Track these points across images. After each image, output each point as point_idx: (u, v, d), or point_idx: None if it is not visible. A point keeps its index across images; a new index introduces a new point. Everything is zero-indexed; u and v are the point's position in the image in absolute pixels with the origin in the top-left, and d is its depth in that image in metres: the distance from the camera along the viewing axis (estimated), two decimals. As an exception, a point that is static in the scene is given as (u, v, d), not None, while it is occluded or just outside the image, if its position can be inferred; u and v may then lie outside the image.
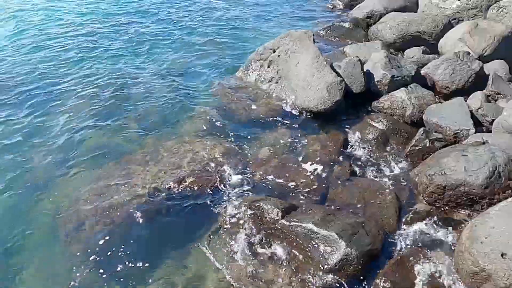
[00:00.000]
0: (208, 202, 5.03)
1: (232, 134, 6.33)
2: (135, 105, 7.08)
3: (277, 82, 7.21)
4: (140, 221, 4.76)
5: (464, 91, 6.77)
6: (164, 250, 4.46)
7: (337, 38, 9.95)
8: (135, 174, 5.41)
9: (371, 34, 9.64)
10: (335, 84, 6.49)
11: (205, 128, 6.41)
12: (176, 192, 5.09)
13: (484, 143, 5.15)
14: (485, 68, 7.09)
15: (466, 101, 6.36)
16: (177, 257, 4.39)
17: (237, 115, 6.86)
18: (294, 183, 5.31)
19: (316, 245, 4.24)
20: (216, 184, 5.25)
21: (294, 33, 7.59)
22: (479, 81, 6.83)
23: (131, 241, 4.56)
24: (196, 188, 5.14)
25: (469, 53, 7.22)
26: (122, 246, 4.47)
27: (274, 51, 7.63)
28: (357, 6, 11.18)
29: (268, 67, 7.56)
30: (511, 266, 3.52)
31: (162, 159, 5.68)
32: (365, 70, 7.05)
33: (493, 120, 5.82)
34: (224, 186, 5.26)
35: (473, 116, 6.04)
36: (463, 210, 4.76)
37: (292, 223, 4.46)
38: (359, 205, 4.94)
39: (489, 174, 4.58)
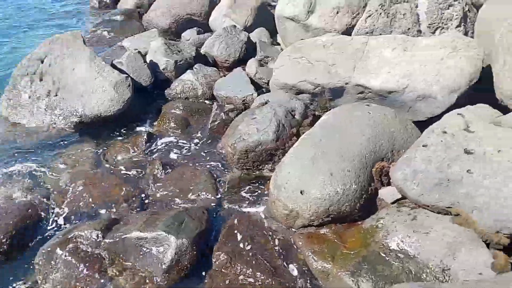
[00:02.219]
0: (14, 253, 4.23)
1: (25, 167, 5.43)
2: None
3: (56, 95, 6.42)
4: None
5: (241, 61, 7.48)
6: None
7: (112, 33, 9.48)
8: None
9: (145, 23, 9.54)
10: (121, 82, 6.21)
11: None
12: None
13: (266, 102, 5.85)
14: (251, 37, 7.97)
15: (244, 70, 7.06)
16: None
17: (20, 145, 5.88)
18: (108, 198, 4.95)
19: (148, 250, 4.11)
20: (19, 228, 4.43)
21: (60, 37, 6.83)
22: (250, 49, 7.65)
23: None
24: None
25: (235, 26, 7.96)
26: None
27: (42, 61, 6.72)
28: (123, -3, 10.83)
29: (41, 80, 6.64)
30: (309, 199, 4.18)
31: None
32: (148, 61, 6.98)
33: (268, 81, 6.64)
34: (30, 227, 4.49)
35: (253, 82, 6.77)
36: (267, 166, 5.36)
37: (117, 239, 4.18)
38: (180, 195, 4.99)
39: (276, 128, 5.26)
